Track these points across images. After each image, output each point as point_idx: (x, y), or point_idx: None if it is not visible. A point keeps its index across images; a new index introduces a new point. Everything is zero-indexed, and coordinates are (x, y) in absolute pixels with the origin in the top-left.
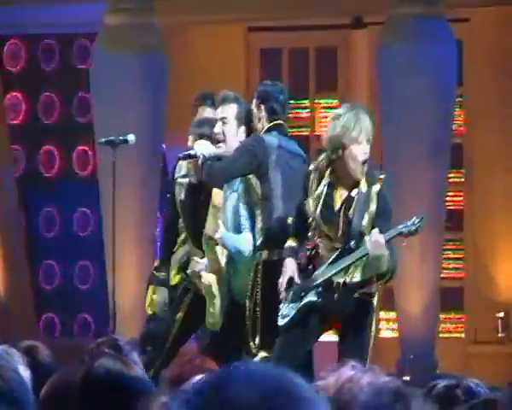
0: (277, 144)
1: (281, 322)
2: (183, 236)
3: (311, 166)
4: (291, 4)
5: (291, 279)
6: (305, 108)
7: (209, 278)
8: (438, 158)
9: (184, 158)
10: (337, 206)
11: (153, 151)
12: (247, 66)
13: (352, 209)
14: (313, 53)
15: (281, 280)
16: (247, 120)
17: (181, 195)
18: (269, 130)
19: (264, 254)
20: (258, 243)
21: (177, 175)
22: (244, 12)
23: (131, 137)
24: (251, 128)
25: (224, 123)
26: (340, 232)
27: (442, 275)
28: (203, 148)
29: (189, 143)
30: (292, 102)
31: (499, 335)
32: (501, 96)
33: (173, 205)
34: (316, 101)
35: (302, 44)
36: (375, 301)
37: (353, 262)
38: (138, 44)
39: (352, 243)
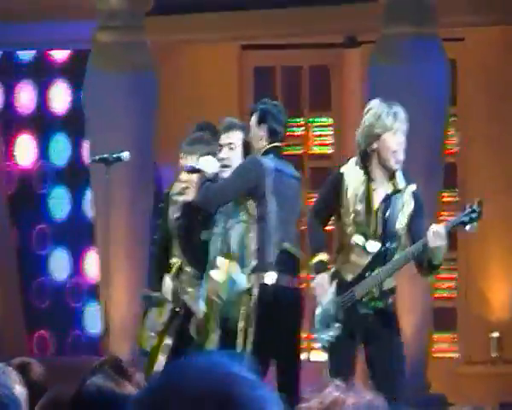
0: (274, 167)
1: (325, 344)
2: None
3: (343, 169)
4: (285, 23)
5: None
6: (299, 126)
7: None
8: (431, 178)
9: (189, 171)
10: (375, 205)
11: (144, 169)
12: (241, 84)
13: (389, 209)
14: (307, 71)
15: (316, 294)
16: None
17: (175, 213)
18: (266, 152)
19: (259, 277)
20: (253, 265)
21: (172, 192)
22: (238, 30)
23: (125, 155)
24: (247, 144)
25: (230, 149)
26: (376, 232)
27: (435, 295)
28: (209, 165)
29: (181, 161)
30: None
31: (492, 355)
32: (495, 116)
33: (165, 225)
34: (309, 119)
35: (296, 63)
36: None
37: (406, 262)
38: (129, 62)
39: (388, 244)
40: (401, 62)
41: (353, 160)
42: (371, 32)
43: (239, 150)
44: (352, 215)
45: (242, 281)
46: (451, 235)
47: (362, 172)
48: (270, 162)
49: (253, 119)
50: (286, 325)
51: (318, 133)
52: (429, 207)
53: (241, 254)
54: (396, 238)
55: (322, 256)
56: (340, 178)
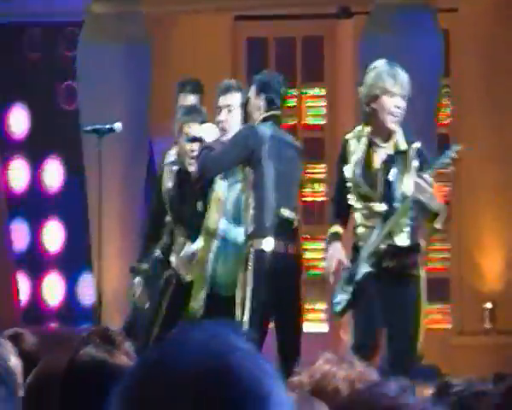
0: (271, 134)
1: (337, 309)
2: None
3: (349, 135)
4: None
5: (338, 263)
6: (292, 97)
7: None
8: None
9: (190, 141)
10: (376, 166)
11: (137, 141)
12: (234, 55)
13: (391, 170)
14: (300, 42)
15: (326, 264)
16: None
17: (168, 182)
18: (264, 120)
19: (256, 243)
20: (250, 231)
21: (165, 162)
22: (230, 1)
23: (118, 126)
24: (246, 115)
25: (229, 111)
26: (379, 193)
27: (428, 267)
28: (210, 133)
29: (177, 131)
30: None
31: (485, 326)
32: (488, 87)
33: (158, 195)
34: (302, 90)
35: (289, 34)
36: (421, 273)
37: (398, 219)
38: (123, 34)
39: (396, 205)
40: (394, 33)
41: (359, 127)
42: (364, 2)
43: (237, 112)
44: (351, 179)
45: (235, 233)
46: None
47: (364, 135)
48: (267, 130)
49: (252, 89)
50: (284, 292)
51: (311, 104)
52: None
53: (237, 215)
54: (403, 199)
55: (336, 228)
56: (345, 145)
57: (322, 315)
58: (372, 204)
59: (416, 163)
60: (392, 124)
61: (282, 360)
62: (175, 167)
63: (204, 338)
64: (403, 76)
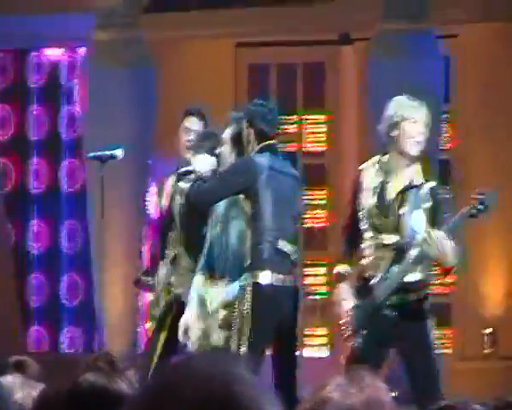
0: (268, 165)
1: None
2: (168, 252)
3: (363, 166)
4: (279, 20)
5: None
6: (293, 123)
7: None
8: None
9: (184, 174)
10: (391, 197)
11: (141, 165)
12: (236, 81)
13: (405, 204)
14: (301, 68)
15: (344, 309)
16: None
17: (182, 199)
18: (260, 151)
19: (254, 275)
20: (247, 263)
21: (182, 170)
22: (232, 27)
23: (120, 152)
24: (242, 147)
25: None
26: (391, 225)
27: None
28: (202, 164)
29: (190, 157)
30: (280, 116)
31: (486, 351)
32: (489, 112)
33: (171, 210)
34: (303, 116)
35: (290, 60)
36: (427, 304)
37: (411, 267)
38: (126, 59)
39: (407, 240)
40: (397, 58)
41: (373, 158)
42: (365, 29)
43: (228, 145)
44: (366, 208)
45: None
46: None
47: (378, 166)
48: (264, 160)
49: (243, 121)
50: (281, 324)
51: (312, 130)
52: None
53: (242, 249)
54: (413, 235)
55: (341, 267)
56: (359, 176)
57: (323, 340)
58: (383, 236)
59: (428, 204)
60: (413, 150)
61: (278, 389)
62: (187, 185)
63: (207, 367)
64: (423, 105)
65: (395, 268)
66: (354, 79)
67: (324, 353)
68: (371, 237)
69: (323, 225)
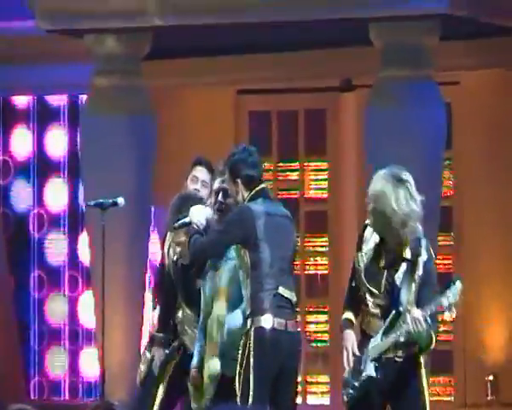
0: (264, 211)
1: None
2: None
3: (368, 221)
4: (280, 67)
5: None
6: (295, 170)
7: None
8: (427, 221)
9: (180, 227)
10: (382, 264)
11: (141, 212)
12: (236, 128)
13: (398, 273)
14: (302, 115)
15: (345, 356)
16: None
17: (174, 256)
18: (252, 198)
19: (255, 321)
20: (249, 310)
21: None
22: (233, 75)
23: (121, 200)
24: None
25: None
26: (382, 290)
27: None
28: (199, 215)
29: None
30: (281, 164)
31: (488, 398)
32: (490, 160)
33: (167, 267)
34: (305, 163)
35: (291, 107)
36: (421, 359)
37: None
38: (126, 106)
39: (401, 308)
40: (398, 106)
41: None
42: (367, 75)
43: (213, 197)
44: (363, 270)
45: (234, 320)
46: (446, 277)
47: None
48: (258, 207)
49: (227, 179)
50: (283, 369)
51: (314, 177)
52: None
53: (232, 290)
54: (402, 304)
55: (348, 315)
56: (363, 230)
57: (325, 387)
58: (378, 300)
59: (419, 273)
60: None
61: None
62: (179, 247)
63: None
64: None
65: (386, 337)
66: (355, 126)
67: (326, 400)
68: (367, 297)
69: (325, 272)
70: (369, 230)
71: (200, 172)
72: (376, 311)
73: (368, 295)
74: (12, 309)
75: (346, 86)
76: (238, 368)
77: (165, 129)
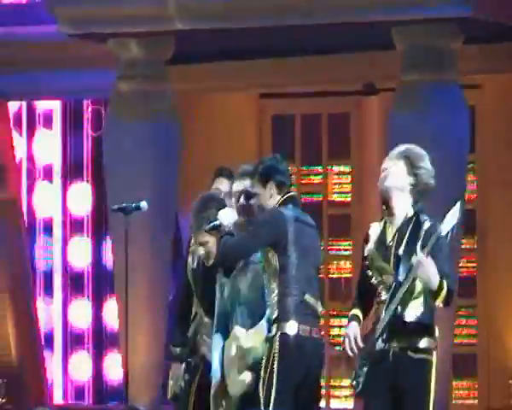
0: (294, 216)
1: (357, 390)
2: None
3: (371, 224)
4: (303, 71)
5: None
6: (318, 174)
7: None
8: None
9: (211, 230)
10: (389, 240)
11: (165, 217)
12: (260, 132)
13: (401, 241)
14: (325, 119)
15: (347, 343)
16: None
17: (194, 263)
18: (284, 203)
19: (280, 326)
20: (274, 315)
21: (192, 242)
22: (256, 79)
23: (144, 204)
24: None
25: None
26: (392, 266)
27: (455, 342)
28: (228, 217)
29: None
30: (304, 168)
31: None
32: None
33: (185, 274)
34: (328, 167)
35: (314, 110)
36: (433, 358)
37: (401, 294)
38: (150, 111)
39: (401, 277)
40: (421, 109)
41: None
42: (390, 79)
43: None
44: (369, 256)
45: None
46: (470, 281)
47: (384, 219)
48: (290, 213)
49: (256, 184)
50: (307, 376)
51: (337, 181)
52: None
53: (253, 297)
54: (410, 270)
55: (355, 311)
56: (367, 232)
57: (348, 391)
58: (385, 277)
59: (426, 243)
60: (380, 184)
61: None
62: (201, 252)
63: None
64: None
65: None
66: (379, 130)
67: (350, 404)
68: (378, 282)
69: (349, 275)
70: (374, 226)
71: (223, 184)
72: (384, 297)
73: (378, 280)
74: (36, 314)
75: (369, 90)
76: (262, 374)
77: (188, 134)
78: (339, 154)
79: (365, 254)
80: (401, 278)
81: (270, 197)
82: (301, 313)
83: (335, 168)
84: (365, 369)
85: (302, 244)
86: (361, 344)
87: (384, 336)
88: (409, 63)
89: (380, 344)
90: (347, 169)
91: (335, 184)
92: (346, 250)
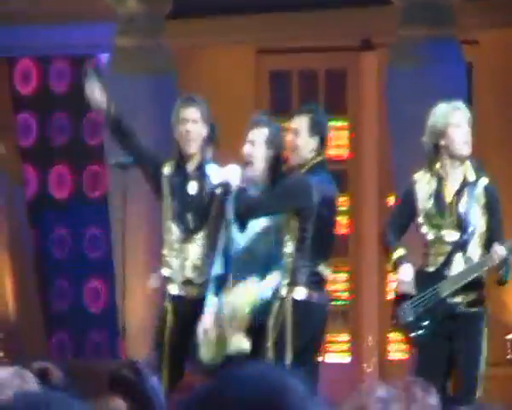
0: (320, 188)
1: (420, 333)
2: None
3: (417, 175)
4: (300, 26)
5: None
6: None
7: None
8: None
9: (216, 187)
10: (448, 197)
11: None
12: (256, 88)
13: (462, 200)
14: (322, 75)
15: (406, 288)
16: (277, 143)
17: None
18: (316, 169)
19: (290, 291)
20: (289, 280)
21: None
22: (253, 34)
23: None
24: (279, 153)
25: (252, 145)
26: (451, 222)
27: None
28: (233, 175)
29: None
30: None
31: (509, 357)
32: (509, 120)
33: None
34: None
35: (311, 66)
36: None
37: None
38: (149, 65)
39: (466, 235)
40: (418, 64)
41: (424, 167)
42: (387, 34)
43: (261, 147)
44: (423, 213)
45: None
46: None
47: (431, 174)
48: (317, 184)
49: (304, 125)
50: (314, 338)
51: (334, 136)
52: None
53: (267, 263)
54: (473, 230)
55: (401, 252)
56: (412, 184)
57: (344, 346)
58: (444, 232)
59: (483, 201)
60: (464, 151)
61: None
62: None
63: (256, 376)
64: (460, 105)
65: (462, 267)
66: (376, 85)
67: (346, 359)
68: (433, 238)
69: (345, 231)
70: (421, 183)
71: (187, 111)
72: (441, 249)
73: (433, 235)
74: (33, 268)
75: (366, 46)
76: (273, 335)
77: (184, 89)
78: (336, 110)
79: (419, 213)
80: (467, 236)
81: (310, 151)
82: (313, 281)
83: (332, 124)
84: (426, 322)
85: (324, 216)
86: (413, 291)
87: (450, 298)
88: (406, 18)
89: (447, 306)
90: (344, 125)
91: (332, 139)
92: (343, 206)
